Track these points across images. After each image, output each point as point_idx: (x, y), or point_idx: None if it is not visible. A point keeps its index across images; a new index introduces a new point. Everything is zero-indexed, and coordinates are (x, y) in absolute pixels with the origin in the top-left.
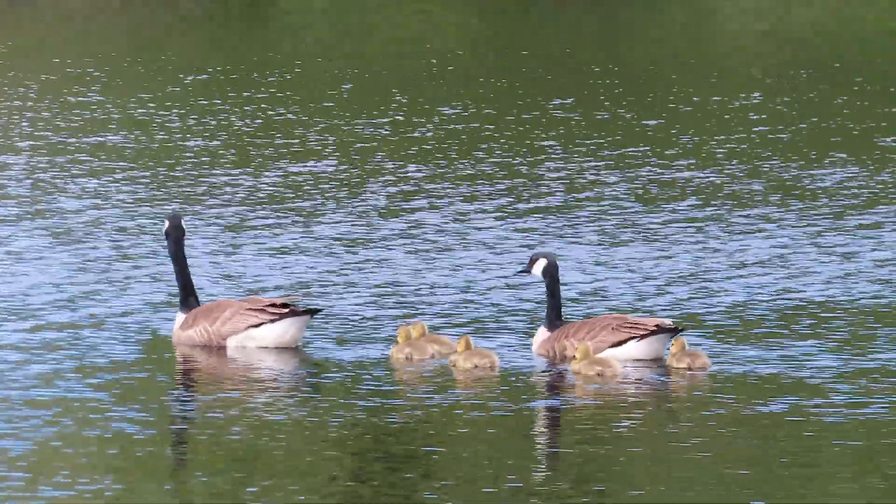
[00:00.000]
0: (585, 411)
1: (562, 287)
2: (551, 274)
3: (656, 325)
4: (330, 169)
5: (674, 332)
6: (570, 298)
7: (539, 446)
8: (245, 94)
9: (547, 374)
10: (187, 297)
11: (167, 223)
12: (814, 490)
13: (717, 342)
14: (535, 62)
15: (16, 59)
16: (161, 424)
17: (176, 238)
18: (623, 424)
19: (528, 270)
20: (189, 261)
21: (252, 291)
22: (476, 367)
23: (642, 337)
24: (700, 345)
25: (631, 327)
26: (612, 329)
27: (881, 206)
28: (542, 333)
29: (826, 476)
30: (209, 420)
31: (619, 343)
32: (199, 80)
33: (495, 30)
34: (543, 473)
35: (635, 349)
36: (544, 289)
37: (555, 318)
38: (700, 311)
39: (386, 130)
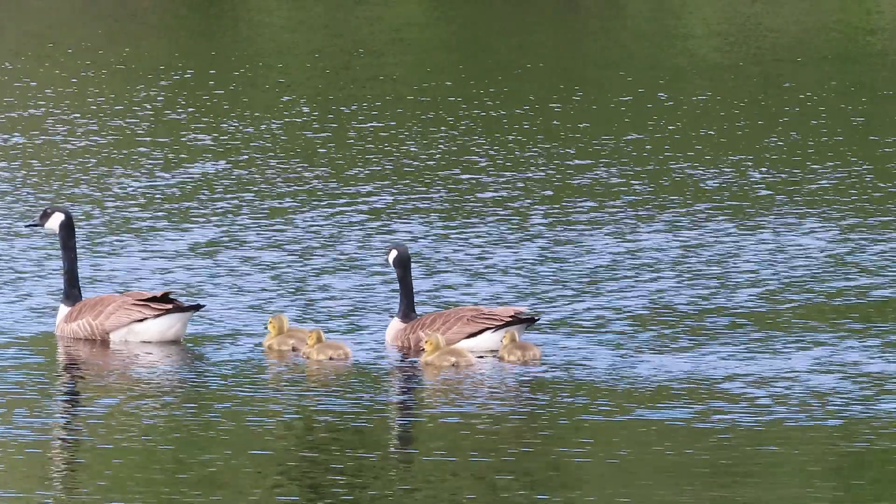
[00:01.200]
0: (450, 411)
1: (441, 286)
2: (403, 264)
3: (512, 316)
4: (216, 170)
5: (530, 322)
6: (453, 299)
7: (403, 450)
8: (142, 94)
9: (401, 366)
10: (72, 289)
11: (63, 216)
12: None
13: (586, 342)
14: (476, 61)
15: None
16: (42, 429)
17: (70, 228)
18: (483, 429)
19: (387, 262)
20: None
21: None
22: (331, 358)
23: (497, 328)
24: (543, 342)
25: (486, 318)
26: (467, 320)
27: (816, 208)
28: (395, 325)
29: (699, 483)
30: (91, 423)
31: (474, 334)
32: (98, 77)
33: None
34: (417, 480)
35: (490, 340)
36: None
37: (408, 310)
38: (572, 312)
39: (280, 132)
